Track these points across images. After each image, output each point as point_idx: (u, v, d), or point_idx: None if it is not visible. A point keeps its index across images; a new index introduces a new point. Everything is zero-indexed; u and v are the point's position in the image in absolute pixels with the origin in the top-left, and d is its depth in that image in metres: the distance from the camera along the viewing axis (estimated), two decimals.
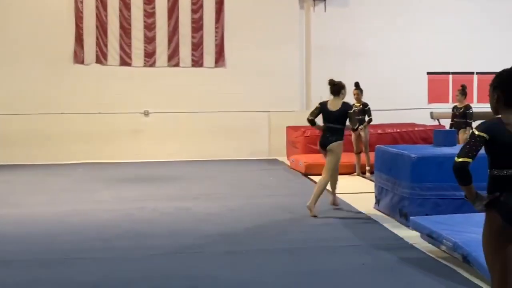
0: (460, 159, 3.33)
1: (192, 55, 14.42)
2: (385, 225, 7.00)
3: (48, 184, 10.70)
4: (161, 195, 9.29)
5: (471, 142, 3.36)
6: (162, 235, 6.71)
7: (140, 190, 9.77)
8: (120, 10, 14.14)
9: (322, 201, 8.70)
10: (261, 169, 12.32)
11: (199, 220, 7.44)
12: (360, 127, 10.70)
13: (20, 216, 7.80)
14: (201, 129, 14.35)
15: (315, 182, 10.29)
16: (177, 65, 14.40)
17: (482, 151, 3.41)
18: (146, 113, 14.39)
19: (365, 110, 10.93)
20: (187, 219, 7.50)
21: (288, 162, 12.90)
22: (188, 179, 11.05)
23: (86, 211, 8.02)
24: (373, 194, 8.05)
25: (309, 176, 11.01)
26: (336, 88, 8.21)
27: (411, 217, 6.33)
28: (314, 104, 14.39)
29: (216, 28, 14.42)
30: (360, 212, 7.77)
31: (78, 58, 14.11)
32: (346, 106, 8.03)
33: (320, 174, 10.79)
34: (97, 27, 14.11)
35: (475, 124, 8.22)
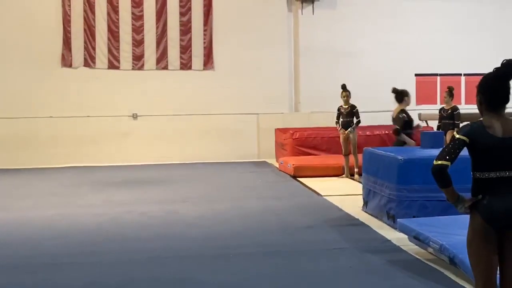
0: (439, 162, 3.34)
1: (181, 58, 14.39)
2: (373, 227, 6.99)
3: (35, 188, 10.62)
4: (150, 199, 9.24)
5: (451, 145, 3.37)
6: (150, 238, 6.68)
7: (128, 194, 9.73)
8: (108, 13, 14.09)
9: (309, 203, 8.71)
10: (250, 172, 12.30)
11: (187, 223, 7.41)
12: (348, 130, 10.75)
13: (6, 220, 7.74)
14: (190, 132, 14.33)
15: (304, 185, 10.35)
16: (165, 68, 14.37)
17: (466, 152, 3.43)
18: (135, 116, 14.35)
19: (353, 112, 10.95)
20: (175, 223, 7.47)
21: (277, 164, 12.88)
22: (176, 182, 11.02)
23: (73, 215, 7.97)
24: (361, 196, 8.03)
25: (297, 178, 11.00)
26: (400, 96, 9.19)
27: (398, 219, 6.33)
28: (303, 105, 14.70)
29: (204, 30, 14.41)
30: (348, 214, 7.75)
31: (66, 61, 14.05)
32: (401, 112, 9.11)
33: (308, 176, 10.95)
34: (85, 30, 14.05)
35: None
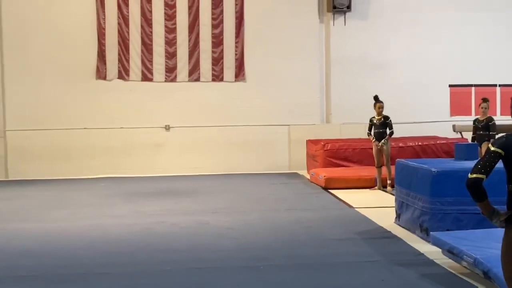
0: (474, 175, 3.26)
1: (213, 69, 14.47)
2: (406, 240, 6.89)
3: (70, 198, 10.77)
4: (181, 209, 9.29)
5: (485, 158, 3.29)
6: (181, 249, 6.70)
7: (160, 205, 9.79)
8: (142, 26, 14.27)
9: (340, 216, 8.63)
10: (281, 183, 12.28)
11: (218, 234, 7.41)
12: (382, 141, 10.65)
13: (41, 231, 7.85)
14: (222, 143, 14.37)
15: (335, 196, 10.28)
16: (197, 79, 14.46)
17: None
18: (167, 128, 14.46)
19: (386, 122, 10.86)
20: (205, 234, 7.48)
21: (308, 176, 12.84)
22: (207, 193, 11.05)
23: (106, 226, 8.05)
24: (394, 208, 7.93)
25: (329, 190, 10.94)
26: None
27: (431, 233, 6.22)
28: (334, 116, 14.62)
29: (236, 42, 14.47)
30: (380, 227, 7.65)
31: (101, 73, 14.25)
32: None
33: (340, 188, 10.88)
34: (119, 43, 14.24)
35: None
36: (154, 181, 12.88)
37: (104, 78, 14.27)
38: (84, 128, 14.21)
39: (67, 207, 9.78)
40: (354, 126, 14.24)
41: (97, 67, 14.23)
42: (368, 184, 11.09)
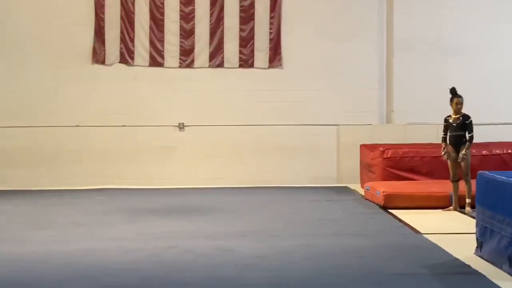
0: None
1: (240, 52, 14.49)
2: (489, 277, 6.78)
3: (56, 215, 10.85)
4: (197, 232, 9.30)
5: None
6: (196, 284, 6.69)
7: (171, 225, 9.83)
8: None
9: (403, 244, 8.53)
10: (326, 200, 12.27)
11: (244, 265, 7.39)
12: (462, 154, 10.53)
13: (21, 255, 7.90)
14: (250, 147, 14.38)
15: (397, 218, 10.20)
16: (221, 65, 14.50)
17: None
18: (181, 126, 14.52)
19: (465, 123, 10.73)
20: (228, 264, 7.46)
21: (362, 191, 12.78)
22: (231, 211, 11.06)
23: (101, 251, 8.08)
24: (474, 235, 7.82)
25: (389, 210, 10.89)
26: None
27: None
28: (397, 115, 14.52)
29: (271, 18, 14.47)
30: (456, 259, 7.57)
31: (98, 56, 14.38)
32: None
33: (403, 207, 10.79)
34: (121, 17, 14.37)
35: None
36: (163, 195, 12.94)
37: (103, 62, 14.40)
38: (76, 126, 14.35)
39: (52, 226, 9.84)
40: (423, 128, 14.16)
41: (94, 49, 14.36)
42: (441, 204, 10.99)
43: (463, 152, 10.65)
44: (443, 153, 10.92)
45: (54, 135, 14.28)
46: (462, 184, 10.79)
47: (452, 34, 14.60)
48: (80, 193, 13.25)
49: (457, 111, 10.82)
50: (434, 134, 12.82)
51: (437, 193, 11.22)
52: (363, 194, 12.55)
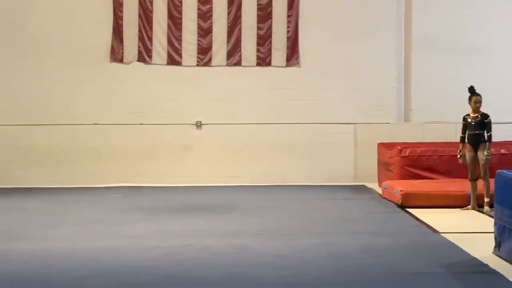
0: None
1: (258, 51, 14.50)
2: (508, 276, 6.75)
3: (75, 213, 10.94)
4: (215, 230, 9.33)
5: None
6: (214, 282, 6.70)
7: (188, 223, 9.86)
8: None
9: (421, 243, 8.51)
10: (343, 199, 12.26)
11: (262, 263, 7.40)
12: (485, 154, 10.48)
13: (39, 253, 7.95)
14: (268, 146, 14.38)
15: (415, 218, 10.17)
16: (238, 63, 14.52)
17: None
18: (199, 125, 14.54)
19: (484, 122, 10.69)
20: (246, 262, 7.47)
21: (379, 190, 12.75)
22: (249, 209, 11.09)
23: (119, 249, 8.12)
24: (493, 235, 7.79)
25: (407, 209, 10.86)
26: None
27: None
28: (415, 113, 14.46)
29: (288, 16, 14.47)
30: (475, 259, 7.53)
31: (116, 55, 14.44)
32: None
33: (421, 206, 10.77)
34: (140, 16, 14.42)
35: None
36: (181, 193, 12.98)
37: (121, 60, 14.45)
38: (94, 124, 14.42)
39: (71, 224, 9.92)
40: (441, 126, 14.10)
41: (112, 47, 14.42)
42: (459, 203, 10.95)
43: (485, 153, 10.60)
44: (459, 156, 10.90)
45: (73, 133, 14.36)
46: (480, 183, 10.75)
47: (471, 32, 14.53)
48: (99, 191, 13.34)
49: (476, 109, 10.78)
50: (452, 133, 12.76)
51: (455, 192, 11.18)
52: (380, 193, 12.51)
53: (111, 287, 6.53)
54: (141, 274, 6.98)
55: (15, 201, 12.14)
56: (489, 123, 10.71)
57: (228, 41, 14.50)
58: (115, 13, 14.36)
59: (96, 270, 7.13)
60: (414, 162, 12.77)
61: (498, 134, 11.69)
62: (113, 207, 11.39)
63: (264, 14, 14.46)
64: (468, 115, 10.88)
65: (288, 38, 14.50)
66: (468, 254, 7.74)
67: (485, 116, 10.74)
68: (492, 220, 8.06)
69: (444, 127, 14.02)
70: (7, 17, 14.31)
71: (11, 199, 12.34)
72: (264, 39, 14.50)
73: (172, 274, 6.96)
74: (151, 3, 14.40)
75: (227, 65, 14.53)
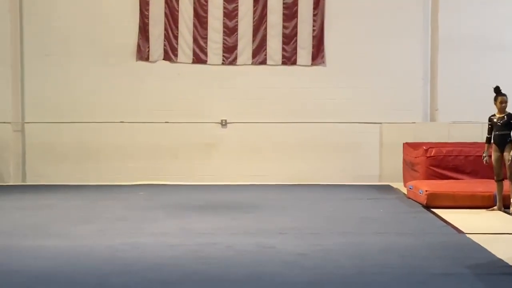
0: None
1: (283, 50, 14.51)
2: None
3: (100, 210, 11.02)
4: (238, 228, 9.36)
5: None
6: (238, 280, 6.70)
7: (212, 221, 9.89)
8: None
9: (446, 243, 8.45)
10: (368, 198, 12.25)
11: (285, 262, 7.39)
12: (511, 154, 10.41)
13: (63, 250, 8.03)
14: (292, 145, 14.39)
15: (440, 218, 10.12)
16: (263, 62, 14.53)
17: None
18: (224, 123, 14.57)
19: (510, 123, 10.61)
20: (269, 261, 7.47)
21: (404, 190, 12.71)
22: (273, 208, 11.09)
23: (144, 246, 8.16)
24: None
25: (432, 209, 10.81)
26: None
27: None
28: (441, 113, 14.37)
29: (314, 15, 14.45)
30: (500, 260, 7.47)
31: (142, 53, 14.52)
32: None
33: (446, 207, 10.70)
34: (166, 14, 14.49)
35: None
36: (206, 191, 13.03)
37: (147, 59, 14.53)
38: (120, 122, 14.52)
39: (96, 220, 9.99)
40: (468, 126, 14.03)
41: (138, 45, 14.50)
42: (485, 203, 10.89)
43: (511, 154, 10.51)
44: (484, 159, 10.82)
45: (99, 131, 14.48)
46: (506, 184, 10.67)
47: (499, 31, 14.45)
48: (124, 188, 13.43)
49: (502, 109, 10.70)
50: (479, 133, 12.70)
51: (481, 193, 11.10)
52: (405, 192, 12.48)
53: (135, 284, 6.56)
54: (165, 271, 7.01)
55: (43, 198, 12.26)
56: None
57: (253, 40, 14.52)
58: (141, 12, 14.45)
59: (119, 267, 7.17)
60: (439, 162, 12.72)
61: None
62: (138, 204, 11.47)
63: (290, 13, 14.46)
64: (494, 115, 10.80)
65: (313, 37, 14.48)
66: (493, 255, 7.68)
67: (511, 116, 10.65)
68: None
69: (470, 127, 13.94)
70: (35, 16, 14.46)
71: (39, 196, 12.47)
72: (289, 38, 14.49)
73: (195, 272, 6.98)
74: (177, 2, 14.46)
75: (252, 64, 14.56)
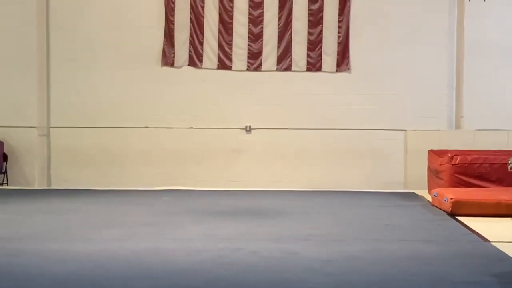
0: None
1: (308, 56, 14.51)
2: None
3: (124, 215, 11.04)
4: (262, 234, 9.35)
5: None
6: (262, 286, 6.71)
7: (237, 227, 9.89)
8: (220, 0, 14.47)
9: (472, 251, 8.39)
10: (392, 205, 12.18)
11: (309, 269, 7.38)
12: None
13: (88, 253, 8.07)
14: (317, 151, 14.37)
15: (465, 226, 10.05)
16: (288, 68, 14.54)
17: None
18: (248, 129, 14.59)
19: None
20: (293, 267, 7.46)
21: (429, 197, 12.64)
22: (297, 214, 11.08)
23: (167, 251, 8.19)
24: None
25: (457, 217, 10.74)
26: None
27: None
28: (467, 120, 14.29)
29: (339, 22, 14.44)
30: None
31: (168, 59, 14.59)
32: None
33: (471, 215, 10.63)
34: (191, 20, 14.55)
35: None
36: (229, 197, 13.03)
37: (172, 64, 14.60)
38: (145, 127, 14.58)
39: (120, 225, 10.03)
40: (494, 134, 13.93)
41: (163, 51, 14.57)
42: (510, 211, 10.82)
43: None
44: (509, 167, 10.74)
45: (124, 136, 14.56)
46: None
47: None
48: (148, 193, 13.46)
49: None
50: (505, 141, 12.62)
51: (507, 201, 11.00)
52: (430, 200, 12.40)
53: None
54: (188, 277, 7.03)
55: (68, 202, 12.33)
56: None
57: (278, 46, 14.54)
58: (167, 18, 14.53)
59: (143, 272, 7.20)
60: (464, 169, 12.62)
61: None
62: (162, 209, 11.50)
63: (315, 20, 14.46)
64: None
65: (338, 43, 14.47)
66: None
67: None
68: None
69: (496, 134, 13.86)
70: (61, 21, 14.59)
71: (64, 200, 12.54)
72: (314, 44, 14.49)
73: (219, 278, 6.99)
74: (203, 8, 14.51)
75: (277, 70, 14.58)
